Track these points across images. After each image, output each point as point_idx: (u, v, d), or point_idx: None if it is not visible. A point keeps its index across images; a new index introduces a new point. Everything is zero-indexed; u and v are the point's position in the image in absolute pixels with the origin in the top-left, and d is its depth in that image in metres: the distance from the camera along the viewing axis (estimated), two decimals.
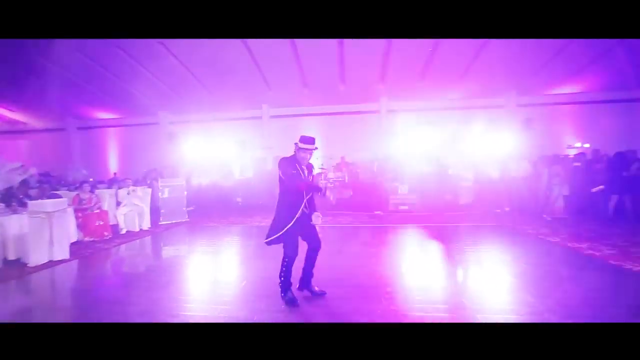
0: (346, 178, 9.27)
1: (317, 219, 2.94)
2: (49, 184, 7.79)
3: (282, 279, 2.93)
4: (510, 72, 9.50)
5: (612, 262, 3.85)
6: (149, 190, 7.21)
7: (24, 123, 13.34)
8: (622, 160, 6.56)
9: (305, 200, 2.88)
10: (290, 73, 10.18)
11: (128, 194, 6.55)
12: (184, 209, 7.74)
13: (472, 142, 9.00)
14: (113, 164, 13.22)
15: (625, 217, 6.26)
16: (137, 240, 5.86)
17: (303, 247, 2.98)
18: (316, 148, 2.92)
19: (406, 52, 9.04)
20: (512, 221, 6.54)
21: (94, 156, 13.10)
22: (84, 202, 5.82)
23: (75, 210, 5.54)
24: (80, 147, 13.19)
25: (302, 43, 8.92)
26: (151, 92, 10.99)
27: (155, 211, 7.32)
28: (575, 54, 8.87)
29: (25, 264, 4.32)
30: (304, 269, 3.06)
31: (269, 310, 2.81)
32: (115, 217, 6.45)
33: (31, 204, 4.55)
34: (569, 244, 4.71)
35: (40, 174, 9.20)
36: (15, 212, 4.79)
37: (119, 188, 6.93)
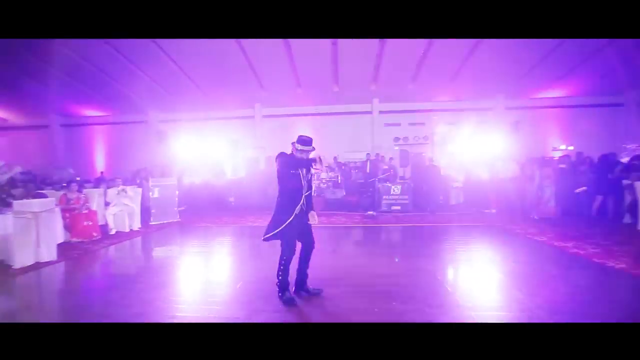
0: (339, 178, 9.31)
1: (312, 219, 3.00)
2: (33, 183, 7.52)
3: (280, 278, 2.94)
4: (499, 76, 9.76)
5: (595, 260, 4.01)
6: (140, 189, 7.06)
7: (4, 119, 12.84)
8: (607, 162, 6.84)
9: (303, 197, 2.93)
10: (284, 73, 10.16)
11: (117, 193, 6.40)
12: (175, 209, 7.62)
13: (462, 143, 9.20)
14: (99, 163, 12.88)
15: (607, 217, 6.52)
16: (128, 241, 5.73)
17: (297, 247, 3.00)
18: (314, 149, 2.96)
19: (399, 54, 9.16)
20: (501, 221, 6.72)
21: (79, 154, 12.73)
22: (71, 201, 5.65)
23: (63, 210, 5.38)
24: (65, 145, 12.79)
25: (296, 43, 8.91)
26: (141, 89, 10.77)
27: (145, 211, 7.18)
28: (560, 59, 9.21)
29: (9, 266, 4.17)
30: (298, 270, 3.08)
31: (266, 311, 2.81)
32: (104, 217, 6.30)
33: (16, 203, 4.39)
34: (555, 243, 4.88)
35: (22, 173, 8.86)
36: None
37: (108, 187, 6.76)
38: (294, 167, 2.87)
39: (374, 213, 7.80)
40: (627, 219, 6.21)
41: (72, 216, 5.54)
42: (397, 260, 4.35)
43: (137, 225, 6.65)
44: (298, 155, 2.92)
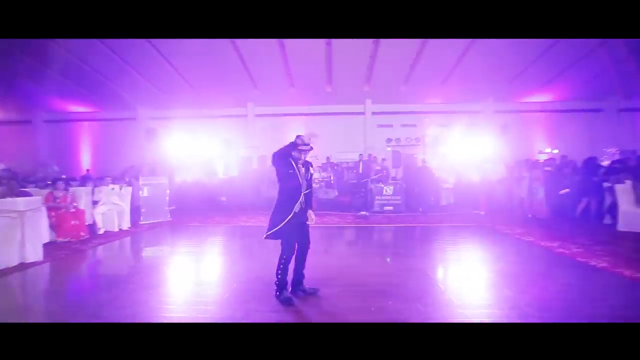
0: (332, 179, 9.35)
1: (309, 218, 3.03)
2: (15, 181, 7.24)
3: (279, 277, 2.94)
4: (489, 79, 10.01)
5: (579, 259, 4.18)
6: (129, 188, 6.91)
7: None
8: (591, 166, 7.12)
9: (302, 195, 2.96)
10: (277, 72, 10.12)
11: (112, 189, 6.24)
12: (166, 208, 7.49)
13: (453, 145, 9.38)
14: (85, 161, 12.49)
15: (589, 218, 6.79)
16: (117, 241, 5.60)
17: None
18: (311, 148, 2.99)
19: (391, 55, 9.27)
20: (490, 222, 6.89)
21: (63, 151, 12.30)
22: (58, 200, 5.48)
23: (48, 209, 5.21)
24: (48, 142, 12.35)
25: (290, 43, 8.89)
26: (129, 85, 10.52)
27: (135, 210, 7.03)
28: (546, 66, 9.54)
29: None
30: (295, 270, 3.09)
31: (262, 311, 2.80)
32: (92, 216, 6.13)
33: (0, 202, 4.23)
34: (542, 243, 5.05)
35: (3, 170, 8.52)
36: None
37: (95, 186, 6.59)
38: (291, 166, 2.90)
39: (367, 213, 7.87)
40: (607, 220, 6.48)
41: (58, 215, 5.38)
42: (388, 260, 4.41)
43: (126, 224, 6.50)
44: (296, 153, 2.94)
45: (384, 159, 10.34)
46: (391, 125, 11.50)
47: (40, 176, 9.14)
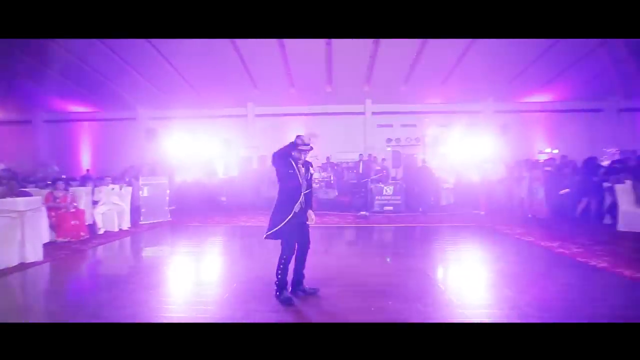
0: (332, 179, 9.35)
1: (309, 218, 3.03)
2: (15, 181, 7.24)
3: (279, 277, 2.95)
4: (488, 79, 10.00)
5: (579, 259, 4.18)
6: (129, 188, 6.91)
7: None
8: (591, 166, 7.12)
9: (302, 195, 2.97)
10: (277, 72, 10.12)
11: (112, 189, 6.25)
12: (166, 208, 7.49)
13: (453, 145, 9.38)
14: (85, 161, 12.49)
15: (589, 218, 6.79)
16: (117, 241, 5.60)
17: None
18: (311, 148, 2.99)
19: (391, 55, 9.27)
20: (490, 222, 6.89)
21: (63, 151, 12.30)
22: (58, 200, 5.48)
23: (48, 209, 5.21)
24: (48, 142, 12.34)
25: (290, 43, 8.89)
26: (129, 85, 10.52)
27: (135, 210, 7.03)
28: (546, 66, 9.53)
29: None
30: (295, 270, 3.09)
31: (262, 311, 2.80)
32: (92, 216, 6.13)
33: (0, 202, 4.23)
34: (542, 243, 5.05)
35: (3, 170, 8.52)
36: None
37: (95, 186, 6.59)
38: (291, 166, 2.90)
39: (367, 213, 7.87)
40: (607, 219, 6.48)
41: (58, 215, 5.38)
42: (388, 260, 4.41)
43: (126, 224, 6.50)
44: (296, 153, 2.94)
45: (384, 159, 10.34)
46: (391, 125, 11.50)
47: (40, 176, 9.14)
